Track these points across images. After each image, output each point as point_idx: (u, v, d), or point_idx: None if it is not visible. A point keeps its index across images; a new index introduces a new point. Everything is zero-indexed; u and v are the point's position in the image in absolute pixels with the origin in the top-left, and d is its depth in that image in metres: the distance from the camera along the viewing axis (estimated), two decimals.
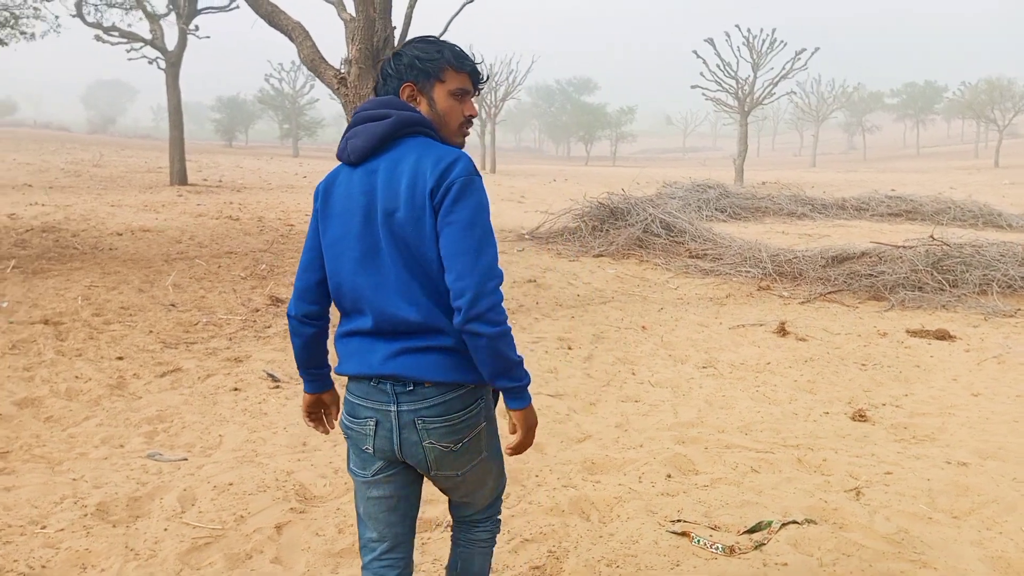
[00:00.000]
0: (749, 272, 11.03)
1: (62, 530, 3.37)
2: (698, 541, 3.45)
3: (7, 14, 11.06)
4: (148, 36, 22.25)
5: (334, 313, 2.23)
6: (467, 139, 2.30)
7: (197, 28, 22.62)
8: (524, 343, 7.21)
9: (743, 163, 35.05)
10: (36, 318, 7.37)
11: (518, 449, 2.15)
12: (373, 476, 2.16)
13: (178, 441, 4.63)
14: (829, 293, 9.78)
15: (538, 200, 23.79)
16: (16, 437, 4.53)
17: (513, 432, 2.14)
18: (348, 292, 2.10)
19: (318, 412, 2.38)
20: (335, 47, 8.21)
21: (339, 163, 2.18)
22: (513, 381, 2.04)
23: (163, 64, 22.77)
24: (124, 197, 18.76)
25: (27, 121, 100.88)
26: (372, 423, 2.09)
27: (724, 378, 6.36)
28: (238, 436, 4.71)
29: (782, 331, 7.89)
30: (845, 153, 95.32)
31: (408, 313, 2.03)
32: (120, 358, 6.34)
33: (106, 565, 3.11)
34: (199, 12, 23.19)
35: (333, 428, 2.40)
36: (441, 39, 2.22)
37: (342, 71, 7.57)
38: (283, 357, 6.41)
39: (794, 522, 3.67)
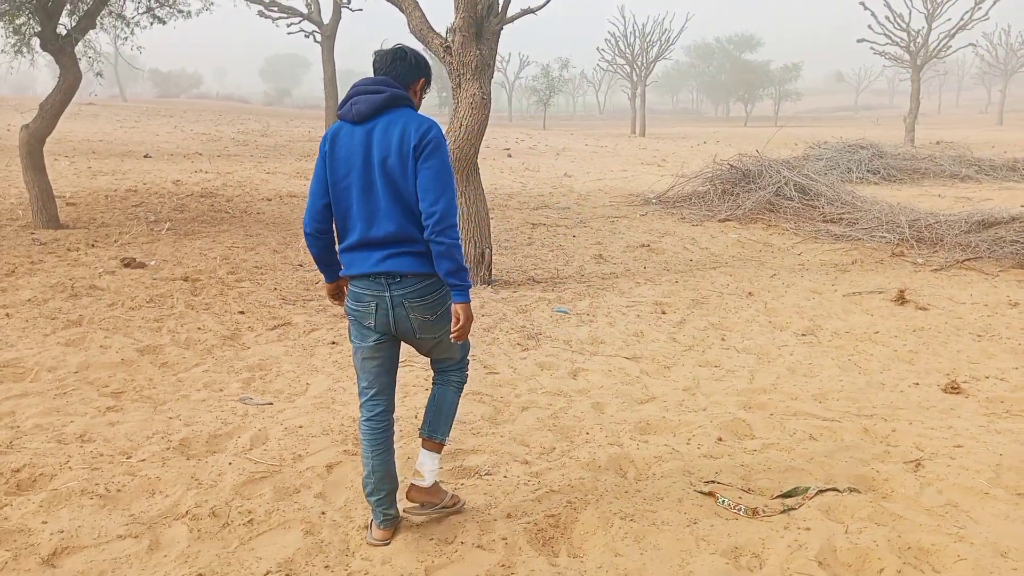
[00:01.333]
0: (884, 237, 10.43)
1: (143, 460, 3.85)
2: (723, 502, 3.46)
3: None
4: (305, 11, 23.48)
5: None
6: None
7: (350, 0, 23.58)
8: (618, 307, 7.25)
9: (914, 121, 32.55)
10: (178, 275, 8.17)
11: (459, 334, 2.98)
12: (371, 344, 3.09)
13: (270, 387, 5.08)
14: (967, 260, 9.10)
15: (679, 163, 23.30)
16: (132, 379, 5.13)
17: (457, 322, 2.97)
18: (352, 215, 2.98)
19: (338, 293, 3.36)
20: (442, 15, 8.44)
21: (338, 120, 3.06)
22: (459, 280, 2.93)
23: (319, 37, 24.00)
24: (281, 165, 20.09)
25: (210, 93, 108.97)
26: (373, 305, 3.00)
27: (820, 346, 6.15)
28: (323, 384, 5.10)
29: (901, 299, 7.47)
30: None
31: (393, 228, 2.93)
32: (242, 312, 6.95)
33: (171, 492, 3.53)
34: None
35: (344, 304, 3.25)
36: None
37: (447, 40, 7.80)
38: None
39: (834, 490, 3.59)
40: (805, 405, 4.79)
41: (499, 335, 6.30)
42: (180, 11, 12.86)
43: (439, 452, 3.31)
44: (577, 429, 4.38)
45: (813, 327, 6.71)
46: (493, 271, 8.71)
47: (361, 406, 3.19)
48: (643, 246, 10.33)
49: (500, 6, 7.82)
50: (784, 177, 13.09)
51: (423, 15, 7.99)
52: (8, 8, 9.99)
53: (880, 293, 7.80)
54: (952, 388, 5.06)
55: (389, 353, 3.14)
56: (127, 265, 8.43)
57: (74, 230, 10.48)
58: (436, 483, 3.31)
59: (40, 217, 10.61)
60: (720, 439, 4.23)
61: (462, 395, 3.50)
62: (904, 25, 33.13)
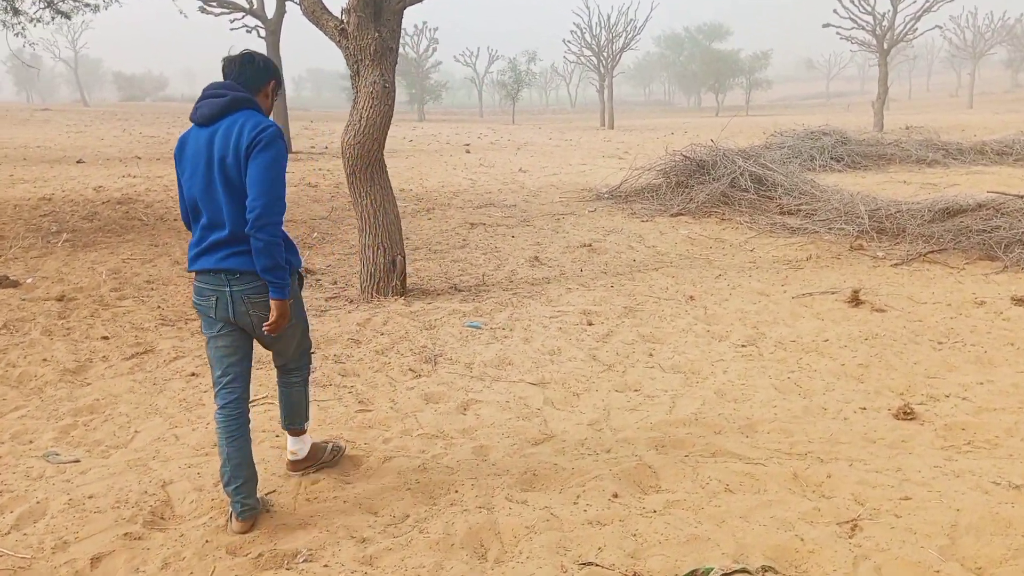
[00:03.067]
0: (843, 229, 9.69)
1: None
2: None
3: None
4: (247, 5, 22.48)
5: None
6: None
7: None
8: (541, 318, 6.43)
9: (883, 106, 32.02)
10: (52, 294, 7.26)
11: (271, 327, 3.09)
12: (216, 333, 3.18)
13: (90, 437, 4.21)
14: (931, 252, 8.37)
15: (643, 156, 22.52)
16: None
17: (272, 317, 3.07)
18: (198, 214, 3.09)
19: None
20: None
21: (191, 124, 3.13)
22: (274, 278, 3.02)
23: (263, 32, 22.99)
24: None
25: (175, 96, 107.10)
26: (213, 299, 3.11)
27: (759, 360, 5.37)
28: (154, 432, 4.24)
29: (855, 300, 6.71)
30: (1009, 92, 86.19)
31: (232, 227, 3.00)
32: (105, 337, 6.07)
33: None
34: None
35: None
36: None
37: (343, 21, 6.94)
38: None
39: (744, 571, 2.79)
40: (729, 441, 3.99)
41: (392, 358, 5.46)
42: (86, 5, 11.89)
43: (304, 433, 3.62)
44: (445, 486, 3.56)
45: (755, 336, 5.94)
46: (410, 279, 7.87)
47: (215, 396, 3.24)
48: (584, 246, 9.52)
49: None
50: (739, 167, 12.32)
51: None
52: None
53: (833, 293, 7.04)
54: (905, 413, 4.29)
55: (238, 342, 3.21)
56: None
57: None
58: (312, 445, 3.67)
59: None
60: (616, 495, 3.42)
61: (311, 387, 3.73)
62: (870, 8, 32.61)
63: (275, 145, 2.96)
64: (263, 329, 3.10)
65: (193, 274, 3.17)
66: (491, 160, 22.15)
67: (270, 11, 22.85)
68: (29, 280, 7.80)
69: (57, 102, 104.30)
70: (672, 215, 11.51)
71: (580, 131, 41.05)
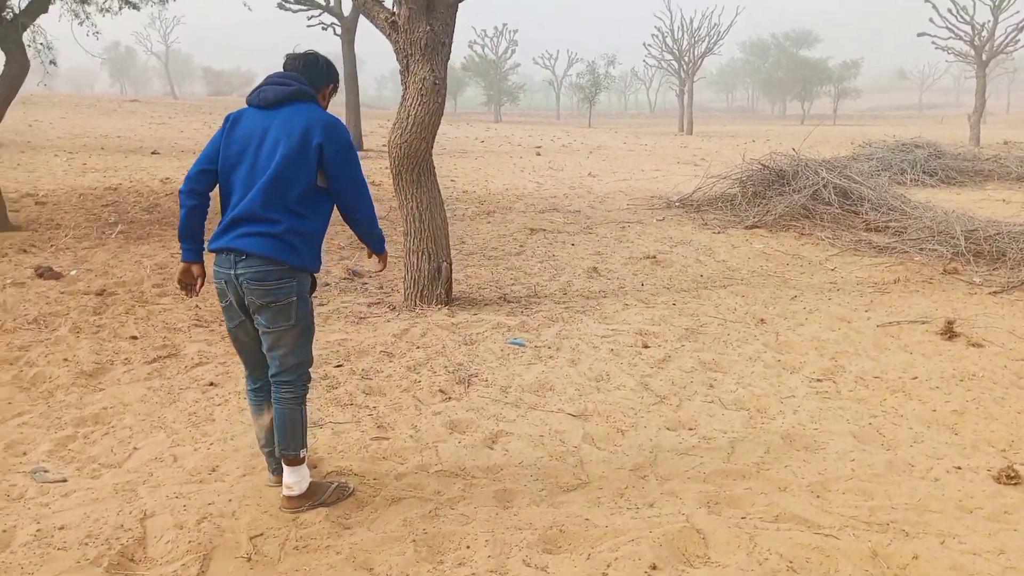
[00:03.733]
0: (935, 250, 8.83)
1: None
2: None
3: None
4: (323, 3, 22.52)
5: None
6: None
7: None
8: (592, 337, 5.89)
9: (979, 120, 30.22)
10: (93, 288, 7.08)
11: (381, 267, 3.61)
12: (235, 325, 3.17)
13: (85, 453, 3.88)
14: None
15: (720, 163, 21.66)
16: None
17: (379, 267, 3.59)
18: (232, 191, 3.04)
19: (187, 279, 3.27)
20: None
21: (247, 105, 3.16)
22: (375, 243, 3.44)
23: (339, 30, 23.00)
24: None
25: None
26: (223, 282, 3.06)
27: (836, 399, 4.72)
28: (153, 450, 3.88)
29: (949, 332, 5.97)
30: None
31: (257, 207, 2.97)
32: (134, 337, 5.80)
33: None
34: None
35: (198, 295, 3.50)
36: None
37: (394, 13, 6.54)
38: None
39: None
40: (795, 502, 3.39)
41: (424, 376, 5.00)
42: None
43: (301, 464, 3.28)
44: (456, 540, 3.07)
45: (833, 369, 5.28)
46: (459, 287, 7.43)
47: (245, 380, 3.37)
48: (648, 258, 8.92)
49: None
50: (823, 179, 11.49)
51: None
52: None
53: (924, 323, 6.30)
54: (1008, 476, 3.61)
55: (253, 334, 3.18)
56: (40, 275, 7.36)
57: (19, 232, 9.50)
58: (311, 483, 3.32)
59: None
60: (654, 567, 2.87)
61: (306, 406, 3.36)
62: (968, 18, 30.80)
63: (353, 151, 3.15)
64: (261, 321, 3.08)
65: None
66: (560, 163, 21.63)
67: (347, 8, 22.85)
68: (73, 272, 7.65)
69: (149, 94, 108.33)
70: (746, 227, 10.79)
71: (656, 136, 40.14)
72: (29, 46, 9.98)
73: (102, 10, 11.60)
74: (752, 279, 8.02)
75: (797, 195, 11.29)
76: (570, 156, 24.56)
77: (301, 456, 3.25)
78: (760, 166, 12.45)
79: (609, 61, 64.15)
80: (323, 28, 22.88)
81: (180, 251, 3.22)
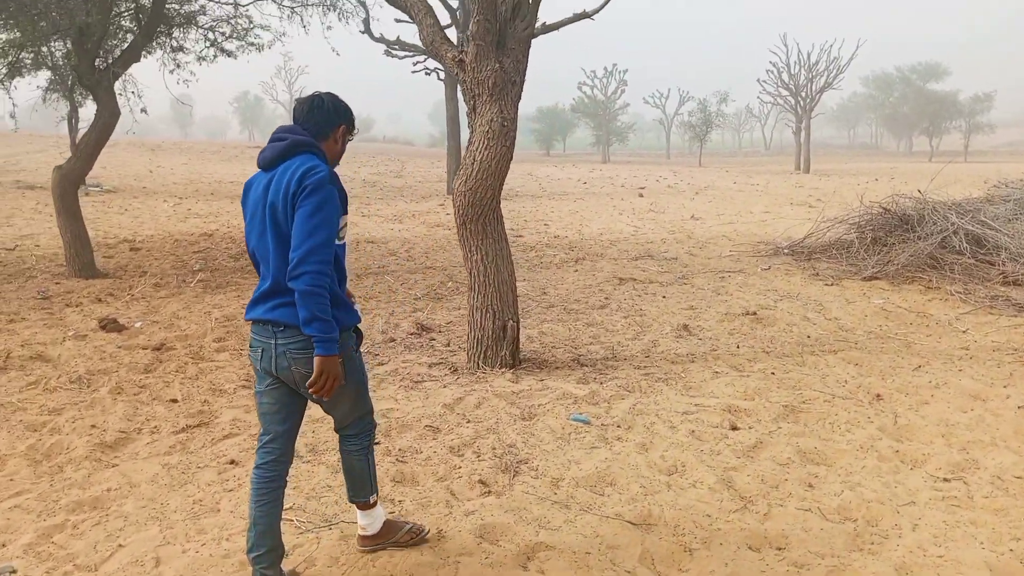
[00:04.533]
0: None
1: None
2: None
3: (233, 26, 11.12)
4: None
5: None
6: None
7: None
8: (670, 415, 5.10)
9: None
10: (153, 342, 6.83)
11: (316, 389, 2.82)
12: (264, 388, 3.02)
13: (65, 549, 3.41)
14: None
15: (838, 204, 20.26)
16: None
17: (314, 375, 2.81)
18: (257, 261, 2.99)
19: None
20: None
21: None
22: (315, 331, 2.75)
23: (442, 75, 23.07)
24: (387, 207, 19.06)
25: (378, 137, 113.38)
26: (259, 351, 2.95)
27: (968, 507, 3.77)
28: (137, 550, 3.38)
29: None
30: None
31: (276, 276, 2.87)
32: (173, 400, 5.43)
33: None
34: None
35: None
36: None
37: (461, 51, 6.05)
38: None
39: None
40: None
41: (466, 461, 4.34)
42: (251, 44, 11.95)
43: (374, 507, 3.31)
44: None
45: (964, 464, 4.30)
46: (532, 344, 6.78)
47: (256, 452, 3.10)
48: (748, 314, 8.01)
49: (529, 7, 5.98)
50: (953, 224, 10.25)
51: (436, 23, 6.30)
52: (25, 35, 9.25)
53: None
54: None
55: (284, 399, 3.03)
56: (103, 327, 7.19)
57: (103, 280, 9.52)
58: (386, 522, 3.35)
59: (74, 265, 9.77)
60: None
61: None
62: None
63: (321, 190, 2.78)
64: (306, 388, 2.87)
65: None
66: (663, 205, 20.76)
67: None
68: (138, 324, 7.46)
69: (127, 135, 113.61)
70: (864, 279, 9.69)
71: (770, 175, 38.53)
72: (120, 94, 10.12)
73: (200, 59, 11.75)
74: (868, 342, 7.00)
75: (923, 242, 10.10)
76: (674, 197, 23.63)
77: (372, 501, 3.30)
78: (881, 209, 11.28)
79: (722, 98, 62.73)
80: (426, 73, 23.01)
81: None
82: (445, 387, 5.69)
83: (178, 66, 11.03)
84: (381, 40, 22.89)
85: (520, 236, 14.23)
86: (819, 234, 12.03)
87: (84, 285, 9.21)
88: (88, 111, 9.78)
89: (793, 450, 4.54)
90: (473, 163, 5.92)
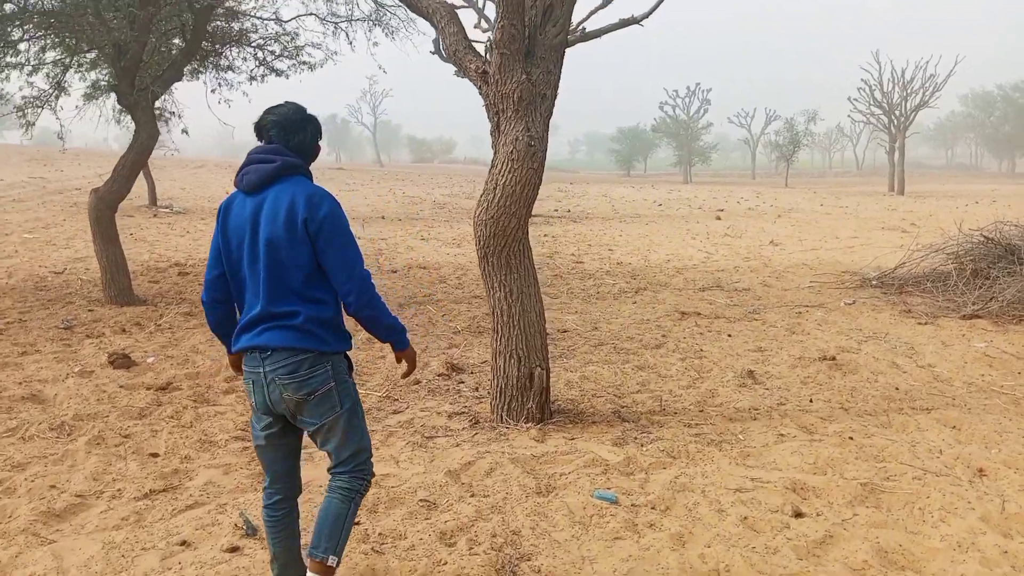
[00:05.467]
0: None
1: None
2: None
3: (284, 44, 10.76)
4: None
5: None
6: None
7: None
8: (718, 492, 4.20)
9: None
10: (159, 382, 6.30)
11: (407, 373, 3.25)
12: (262, 428, 2.94)
13: None
14: None
15: (934, 229, 18.68)
16: None
17: (406, 368, 3.17)
18: (244, 289, 2.87)
19: (239, 365, 3.02)
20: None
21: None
22: (396, 336, 3.03)
23: None
24: (449, 230, 18.52)
25: (459, 158, 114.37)
26: (251, 383, 2.87)
27: None
28: None
29: None
30: None
31: (272, 302, 2.80)
32: (154, 455, 4.83)
33: None
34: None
35: None
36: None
37: (486, 61, 5.33)
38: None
39: None
40: None
41: (455, 554, 3.55)
42: (304, 63, 11.58)
43: (330, 573, 2.88)
44: None
45: None
46: (571, 391, 5.97)
47: (263, 492, 3.05)
48: (826, 359, 6.98)
49: (562, 12, 5.22)
50: None
51: (461, 31, 5.59)
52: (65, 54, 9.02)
53: None
54: None
55: (282, 439, 2.96)
56: (112, 363, 6.71)
57: (136, 307, 9.16)
58: None
59: (110, 290, 9.45)
60: None
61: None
62: None
63: (341, 220, 2.82)
64: (301, 418, 2.87)
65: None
66: (740, 229, 19.57)
67: None
68: (150, 360, 6.97)
69: (361, 162, 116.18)
70: (963, 317, 8.50)
71: (861, 196, 36.54)
72: (158, 112, 9.82)
73: (251, 78, 11.45)
74: (968, 397, 5.92)
75: None
76: (754, 220, 22.37)
77: (330, 564, 2.87)
78: (983, 238, 10.02)
79: (810, 117, 60.48)
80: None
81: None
82: (458, 445, 4.92)
83: (220, 85, 10.72)
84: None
85: (580, 262, 13.40)
86: (912, 264, 10.81)
87: (115, 313, 8.86)
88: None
89: (871, 548, 3.59)
90: (495, 188, 5.17)
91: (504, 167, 5.15)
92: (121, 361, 6.73)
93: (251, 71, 11.32)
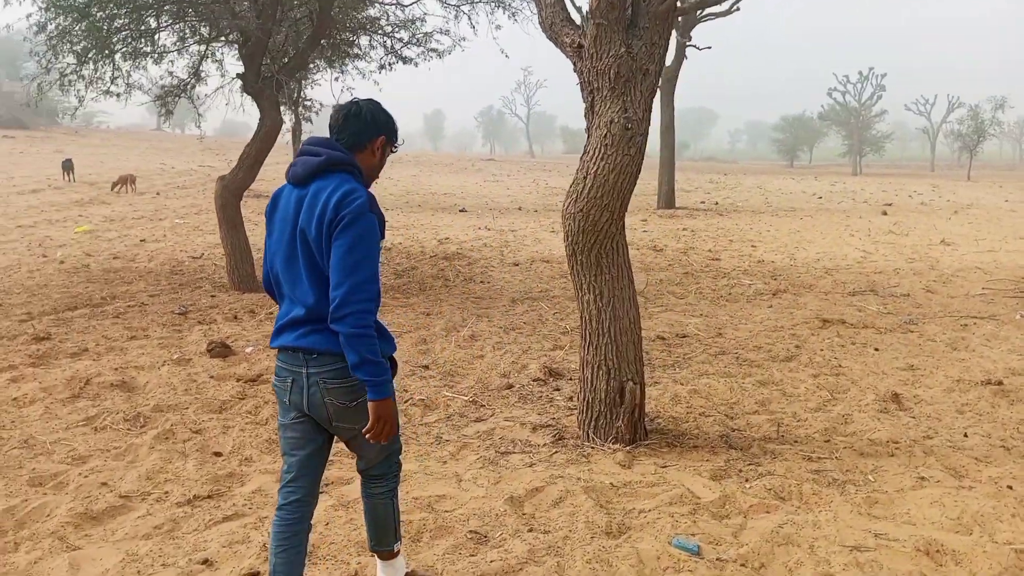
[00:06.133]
0: None
1: None
2: None
3: (412, 32, 10.62)
4: None
5: None
6: None
7: (690, 39, 20.98)
8: (832, 547, 3.44)
9: None
10: (252, 372, 6.16)
11: (374, 435, 2.62)
12: (289, 421, 2.77)
13: None
14: None
15: None
16: None
17: (370, 421, 2.60)
18: (280, 284, 2.75)
19: None
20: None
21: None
22: (366, 375, 2.55)
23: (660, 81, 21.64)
24: None
25: None
26: (289, 380, 2.71)
27: None
28: None
29: None
30: None
31: (312, 302, 2.63)
32: (217, 454, 4.63)
33: None
34: (700, 21, 21.51)
35: None
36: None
37: (583, 33, 4.73)
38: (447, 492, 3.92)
39: None
40: None
41: None
42: (432, 50, 11.39)
43: (394, 558, 3.07)
44: None
45: None
46: (676, 407, 5.31)
47: (279, 492, 2.83)
48: (991, 383, 5.89)
49: None
50: None
51: (560, 1, 5.01)
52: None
53: None
54: None
55: (310, 434, 2.77)
56: (210, 351, 6.67)
57: (256, 295, 9.22)
58: (407, 573, 3.15)
59: (235, 277, 9.62)
60: None
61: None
62: None
63: (360, 222, 2.56)
64: (364, 435, 2.65)
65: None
66: (908, 226, 17.75)
67: (668, 58, 21.41)
68: (249, 349, 6.88)
69: (516, 153, 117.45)
70: None
71: None
72: (283, 103, 9.85)
73: (381, 67, 11.39)
74: None
75: None
76: (925, 217, 20.30)
77: (395, 550, 3.06)
78: None
79: (997, 104, 55.03)
80: None
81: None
82: (531, 466, 4.39)
83: (343, 72, 10.68)
84: None
85: (716, 259, 12.44)
86: None
87: (234, 299, 8.95)
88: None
89: None
90: (586, 177, 4.58)
91: (597, 153, 4.54)
92: (219, 350, 6.67)
93: (380, 59, 11.24)
